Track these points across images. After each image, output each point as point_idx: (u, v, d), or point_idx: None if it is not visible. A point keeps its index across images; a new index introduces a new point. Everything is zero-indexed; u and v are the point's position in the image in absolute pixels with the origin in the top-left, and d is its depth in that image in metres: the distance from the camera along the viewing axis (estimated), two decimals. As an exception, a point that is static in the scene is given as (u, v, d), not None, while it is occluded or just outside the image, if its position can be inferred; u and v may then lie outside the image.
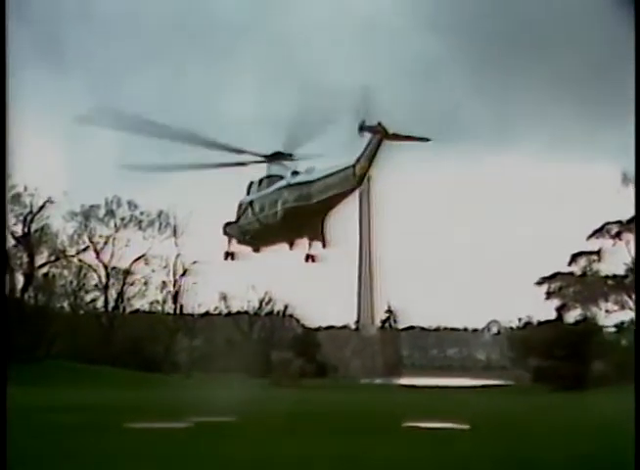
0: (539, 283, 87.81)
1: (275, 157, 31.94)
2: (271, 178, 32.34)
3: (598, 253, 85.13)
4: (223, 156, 31.21)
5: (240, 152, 31.26)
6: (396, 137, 28.49)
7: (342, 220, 32.14)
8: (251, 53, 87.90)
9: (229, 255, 33.71)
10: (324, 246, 31.67)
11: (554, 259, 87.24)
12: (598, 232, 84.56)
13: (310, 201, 30.46)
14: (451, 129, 53.92)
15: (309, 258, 32.38)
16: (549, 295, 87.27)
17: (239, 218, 33.22)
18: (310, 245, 32.13)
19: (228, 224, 33.73)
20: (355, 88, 28.31)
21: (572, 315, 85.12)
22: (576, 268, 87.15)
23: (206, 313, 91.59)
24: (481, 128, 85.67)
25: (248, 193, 33.31)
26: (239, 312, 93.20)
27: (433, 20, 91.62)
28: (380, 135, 28.18)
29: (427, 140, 29.33)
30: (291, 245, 32.66)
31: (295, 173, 31.75)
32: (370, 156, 28.50)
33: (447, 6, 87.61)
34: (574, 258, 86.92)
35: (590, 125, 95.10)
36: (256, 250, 33.62)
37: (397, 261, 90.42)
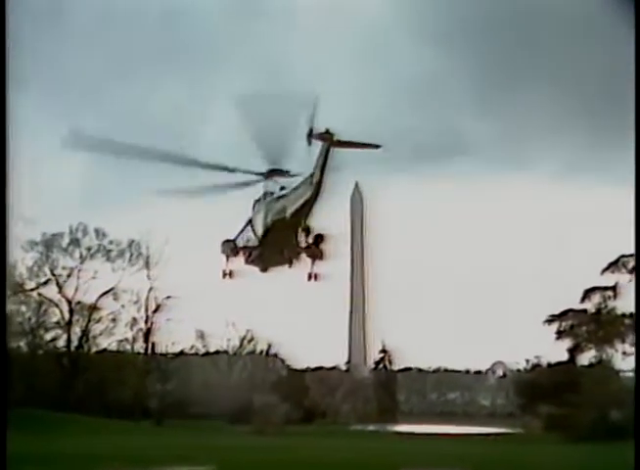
0: (549, 321, 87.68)
1: (271, 174, 33.61)
2: (266, 195, 34.38)
3: (613, 288, 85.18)
4: (213, 176, 32.76)
5: (232, 171, 32.84)
6: (344, 144, 30.36)
7: (333, 252, 33.91)
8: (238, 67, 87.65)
9: (227, 274, 35.28)
10: (313, 259, 33.75)
11: (565, 295, 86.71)
12: (613, 265, 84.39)
13: (285, 213, 32.59)
14: (454, 150, 55.58)
15: (312, 276, 34.10)
16: (560, 334, 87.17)
17: (237, 236, 35.32)
18: (313, 263, 33.91)
19: (226, 242, 35.48)
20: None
21: (586, 357, 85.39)
22: (590, 305, 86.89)
23: (181, 353, 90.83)
24: (487, 149, 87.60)
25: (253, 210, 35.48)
26: (217, 352, 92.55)
27: (431, 31, 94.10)
28: (327, 142, 30.04)
29: (377, 147, 31.06)
30: (290, 263, 34.49)
31: (282, 189, 33.49)
32: (320, 164, 30.43)
33: (450, 19, 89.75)
34: (588, 293, 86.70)
35: (605, 148, 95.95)
36: (264, 269, 35.34)
37: (393, 296, 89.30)
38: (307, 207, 32.05)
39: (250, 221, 35.05)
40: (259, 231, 34.19)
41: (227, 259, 35.21)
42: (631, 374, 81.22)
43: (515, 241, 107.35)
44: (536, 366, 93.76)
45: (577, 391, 74.06)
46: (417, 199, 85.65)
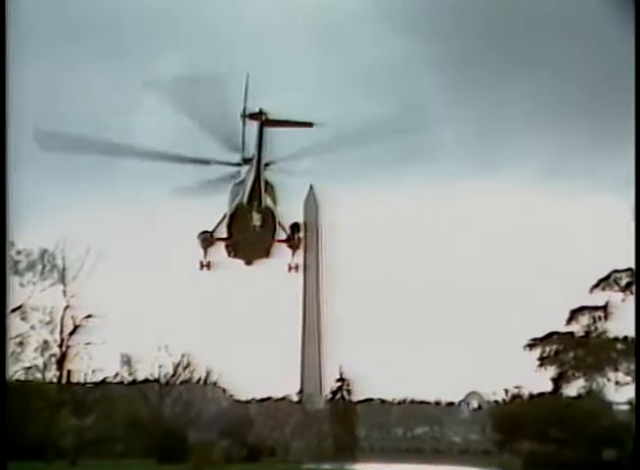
0: (531, 346, 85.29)
1: (246, 163, 35.96)
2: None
3: (604, 308, 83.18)
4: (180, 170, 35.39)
5: (206, 163, 35.42)
6: (276, 123, 33.39)
7: (284, 268, 36.54)
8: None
9: (204, 266, 37.93)
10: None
11: (549, 316, 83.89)
12: (604, 282, 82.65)
13: (243, 199, 35.41)
14: (421, 149, 54.65)
15: (292, 268, 37.31)
16: (543, 360, 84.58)
17: (215, 228, 37.89)
18: (294, 253, 36.97)
19: (202, 233, 38.12)
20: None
21: (573, 387, 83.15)
22: (577, 328, 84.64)
23: (103, 382, 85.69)
24: (457, 149, 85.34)
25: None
26: (147, 380, 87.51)
27: (399, 17, 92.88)
28: (260, 121, 32.99)
29: (310, 125, 33.76)
30: (267, 253, 37.56)
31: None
32: (257, 143, 33.59)
33: (418, 4, 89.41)
34: (575, 314, 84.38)
35: (593, 148, 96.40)
36: (249, 263, 38.23)
37: (353, 316, 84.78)
38: (256, 188, 34.82)
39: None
40: (226, 220, 36.86)
41: (205, 251, 37.84)
42: (626, 407, 79.83)
43: (491, 254, 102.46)
44: (516, 397, 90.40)
45: (564, 425, 73.32)
46: (378, 207, 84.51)
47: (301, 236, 37.38)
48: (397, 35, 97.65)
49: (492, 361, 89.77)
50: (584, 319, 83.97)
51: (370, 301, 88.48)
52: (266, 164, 35.55)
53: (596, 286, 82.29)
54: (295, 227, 37.48)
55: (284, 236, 36.68)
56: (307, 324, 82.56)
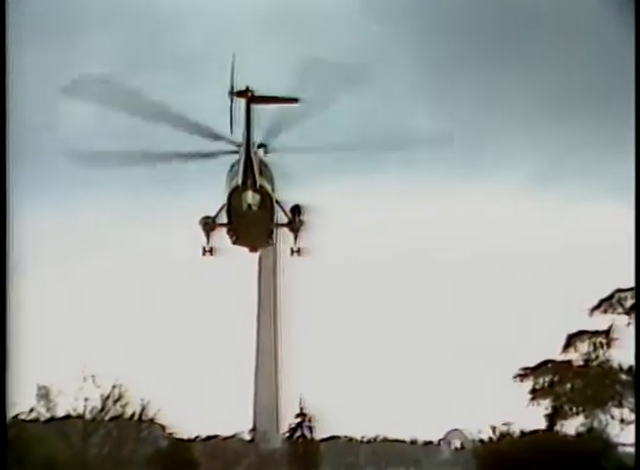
0: (522, 376, 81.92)
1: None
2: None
3: (606, 333, 79.90)
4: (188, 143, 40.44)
5: (217, 138, 39.61)
6: (263, 99, 38.05)
7: (239, 284, 44.05)
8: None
9: (207, 251, 41.60)
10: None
11: (542, 342, 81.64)
12: (606, 303, 79.54)
13: (238, 180, 39.83)
14: (400, 150, 52.85)
15: (294, 251, 41.43)
16: (536, 393, 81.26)
17: (218, 213, 41.80)
18: (296, 237, 41.29)
19: (204, 218, 41.74)
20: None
21: (571, 425, 79.80)
22: (575, 355, 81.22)
23: (14, 419, 79.45)
24: (445, 148, 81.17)
25: None
26: (68, 417, 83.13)
27: (389, 9, 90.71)
28: (247, 98, 37.78)
29: (295, 101, 38.15)
30: (269, 237, 42.57)
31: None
32: (245, 120, 38.22)
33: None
34: (572, 340, 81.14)
35: (593, 148, 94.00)
36: (253, 249, 43.10)
37: (315, 341, 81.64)
38: (247, 167, 38.69)
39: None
40: (225, 204, 40.55)
41: (207, 236, 41.44)
42: (633, 448, 73.00)
43: (477, 269, 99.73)
44: (505, 435, 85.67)
45: (560, 469, 70.13)
46: (347, 217, 78.58)
47: (303, 219, 40.64)
48: (381, 24, 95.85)
49: (477, 394, 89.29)
50: (583, 346, 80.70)
51: (336, 323, 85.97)
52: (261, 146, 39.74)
53: (597, 307, 79.13)
54: (296, 210, 40.84)
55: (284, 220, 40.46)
56: (262, 349, 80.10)
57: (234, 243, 41.94)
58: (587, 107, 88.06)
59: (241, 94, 36.52)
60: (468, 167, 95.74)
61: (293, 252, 41.25)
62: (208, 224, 41.23)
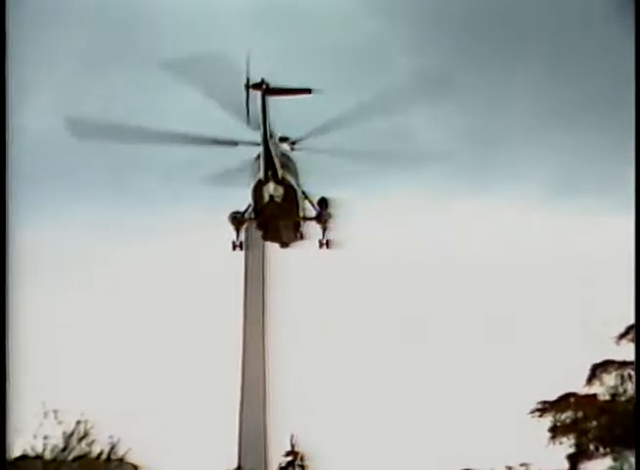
0: (540, 411, 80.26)
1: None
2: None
3: (635, 364, 75.49)
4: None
5: (234, 144, 43.39)
6: (277, 91, 41.06)
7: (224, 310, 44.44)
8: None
9: (237, 246, 45.71)
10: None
11: (563, 373, 77.59)
12: (633, 330, 76.62)
13: (260, 174, 43.18)
14: (401, 158, 54.98)
15: (323, 244, 45.32)
16: (556, 431, 79.34)
17: (247, 209, 45.81)
18: (325, 229, 45.01)
19: (233, 213, 45.50)
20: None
21: (597, 468, 77.67)
22: (601, 389, 79.26)
23: None
24: (450, 159, 77.80)
25: None
26: (25, 457, 77.73)
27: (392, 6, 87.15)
28: (262, 91, 40.87)
29: (309, 92, 41.30)
30: (297, 231, 46.16)
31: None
32: (261, 114, 41.32)
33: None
34: (597, 371, 79.32)
35: (609, 159, 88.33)
36: (284, 245, 46.49)
37: (308, 371, 78.44)
38: (268, 160, 42.09)
39: None
40: (251, 199, 44.42)
41: (237, 231, 45.73)
42: None
43: (488, 292, 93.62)
44: None
45: None
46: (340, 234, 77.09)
47: (331, 212, 43.42)
48: (380, 22, 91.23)
49: (491, 431, 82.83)
50: (610, 378, 78.52)
51: (332, 351, 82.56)
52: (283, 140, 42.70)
53: (624, 335, 76.90)
54: (322, 202, 43.75)
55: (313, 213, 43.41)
56: (248, 380, 76.08)
57: (264, 238, 45.47)
58: (597, 113, 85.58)
59: (256, 86, 39.66)
60: (474, 178, 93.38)
61: (321, 244, 44.57)
62: (237, 219, 44.66)
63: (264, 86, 40.13)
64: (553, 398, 78.77)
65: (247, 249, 45.90)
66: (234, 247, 45.57)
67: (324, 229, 44.52)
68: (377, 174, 61.46)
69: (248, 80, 39.81)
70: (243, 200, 49.62)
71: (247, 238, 65.02)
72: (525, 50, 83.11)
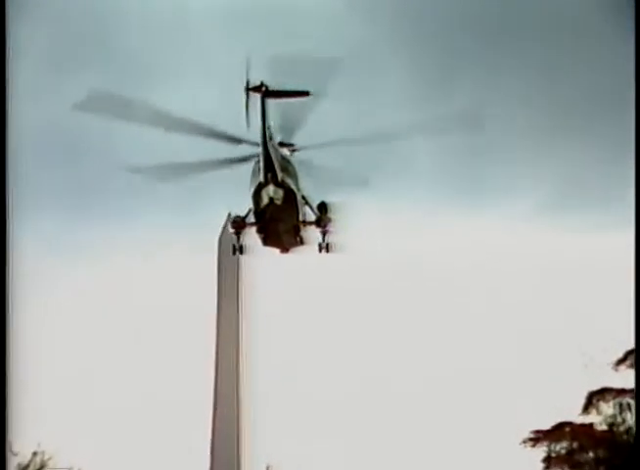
0: (533, 440, 78.69)
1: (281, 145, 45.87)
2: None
3: (635, 391, 73.63)
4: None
5: (238, 142, 44.36)
6: (276, 94, 42.55)
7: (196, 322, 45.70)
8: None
9: (237, 250, 47.14)
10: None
11: (558, 401, 76.12)
12: (632, 355, 75.29)
13: (260, 177, 44.19)
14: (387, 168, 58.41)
15: (322, 248, 46.51)
16: (550, 462, 78.13)
17: (248, 213, 46.73)
18: (325, 233, 46.25)
19: (235, 217, 46.76)
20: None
21: None
22: (598, 418, 77.51)
23: None
24: (440, 171, 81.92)
25: None
26: None
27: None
28: (261, 94, 42.18)
29: (306, 94, 42.88)
30: (297, 235, 46.84)
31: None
32: (260, 117, 42.52)
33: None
34: (594, 399, 77.67)
35: (610, 171, 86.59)
36: (284, 250, 47.51)
37: (286, 397, 76.00)
38: (268, 164, 43.30)
39: None
40: (252, 203, 45.17)
41: (237, 235, 46.87)
42: None
43: (477, 313, 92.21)
44: None
45: None
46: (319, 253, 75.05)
47: (330, 216, 44.41)
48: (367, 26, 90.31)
49: (481, 461, 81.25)
50: (607, 406, 76.73)
51: (312, 375, 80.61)
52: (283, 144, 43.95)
53: (623, 360, 75.44)
54: (322, 207, 44.44)
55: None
56: (219, 406, 72.00)
57: (264, 244, 46.40)
58: (601, 125, 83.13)
59: (255, 89, 41.00)
60: (466, 192, 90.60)
61: (321, 248, 45.60)
62: (237, 223, 45.73)
63: (263, 89, 41.67)
64: (547, 427, 76.84)
65: (242, 253, 48.01)
66: (234, 251, 47.23)
67: (324, 233, 45.96)
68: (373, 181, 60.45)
69: (247, 83, 41.42)
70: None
71: (219, 247, 63.30)
72: (520, 51, 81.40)
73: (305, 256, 66.20)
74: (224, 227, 64.06)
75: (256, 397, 72.40)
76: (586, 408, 75.98)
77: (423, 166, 77.57)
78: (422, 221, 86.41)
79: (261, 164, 43.16)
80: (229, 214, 62.87)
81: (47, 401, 73.38)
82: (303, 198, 46.77)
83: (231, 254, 47.45)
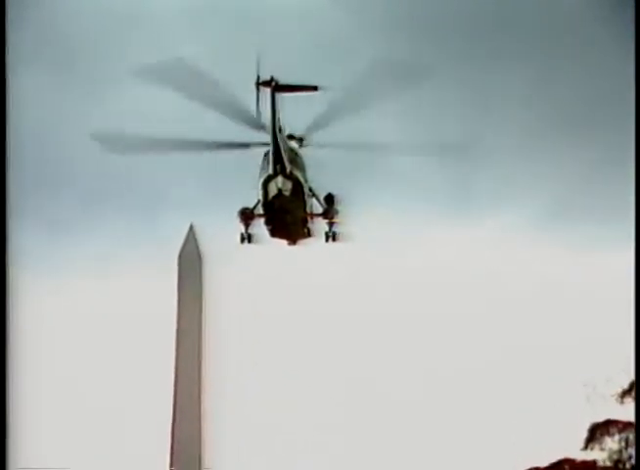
0: None
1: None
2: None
3: None
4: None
5: (245, 146, 46.90)
6: (285, 88, 45.34)
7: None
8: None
9: (245, 238, 48.76)
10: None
11: (557, 435, 74.38)
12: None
13: (269, 170, 46.81)
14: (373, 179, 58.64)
15: (329, 237, 48.45)
16: None
17: (257, 205, 48.77)
18: (332, 224, 48.37)
19: (243, 209, 48.68)
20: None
21: None
22: (601, 454, 75.10)
23: None
24: (432, 182, 78.85)
25: None
26: None
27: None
28: (271, 88, 45.05)
29: (315, 89, 45.80)
30: (304, 227, 48.97)
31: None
32: (270, 111, 45.47)
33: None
34: (596, 432, 75.36)
35: (610, 182, 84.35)
36: (292, 242, 49.39)
37: (248, 417, 68.42)
38: (277, 156, 45.76)
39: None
40: (260, 195, 47.36)
41: (245, 225, 48.74)
42: None
43: (471, 336, 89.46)
44: None
45: None
46: (300, 263, 69.44)
47: (337, 208, 47.17)
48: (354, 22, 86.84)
49: None
50: (612, 441, 74.18)
51: (317, 366, 78.02)
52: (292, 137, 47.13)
53: (628, 391, 73.43)
54: (329, 199, 47.33)
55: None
56: (177, 422, 65.23)
57: (272, 235, 48.23)
58: (602, 132, 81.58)
59: (266, 84, 43.85)
60: (460, 204, 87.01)
61: (328, 237, 47.63)
62: (246, 214, 47.65)
63: (274, 83, 44.41)
64: (545, 463, 73.88)
65: (251, 242, 49.89)
66: (242, 239, 48.99)
67: (331, 224, 48.25)
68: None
69: (258, 78, 44.09)
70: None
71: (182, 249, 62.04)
72: (515, 53, 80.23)
73: (312, 247, 66.01)
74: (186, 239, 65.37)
75: (261, 395, 71.63)
76: (588, 443, 73.25)
77: (419, 176, 74.19)
78: (419, 234, 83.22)
79: (271, 156, 45.69)
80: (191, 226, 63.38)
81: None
82: (311, 190, 49.04)
83: (239, 242, 49.20)
